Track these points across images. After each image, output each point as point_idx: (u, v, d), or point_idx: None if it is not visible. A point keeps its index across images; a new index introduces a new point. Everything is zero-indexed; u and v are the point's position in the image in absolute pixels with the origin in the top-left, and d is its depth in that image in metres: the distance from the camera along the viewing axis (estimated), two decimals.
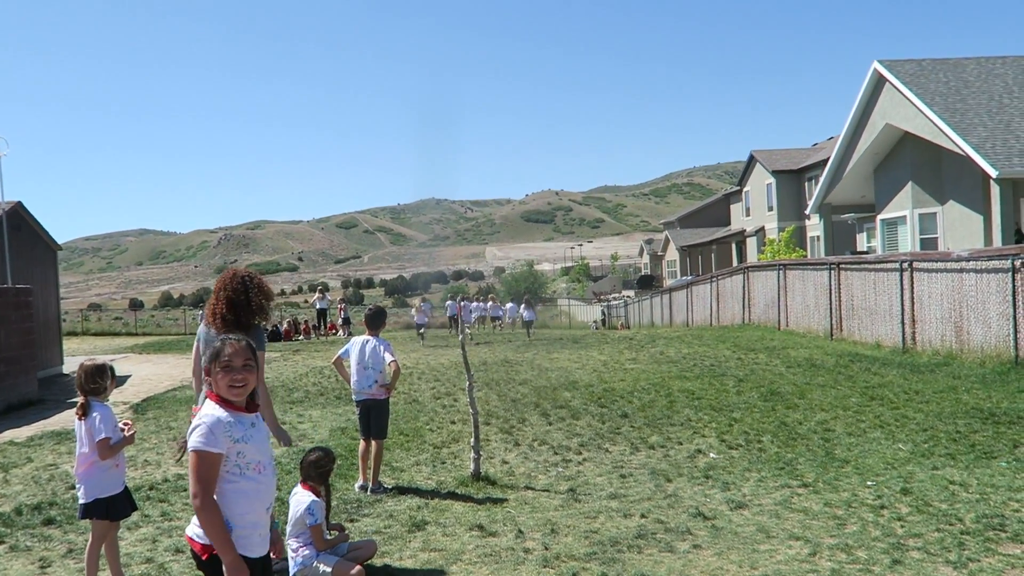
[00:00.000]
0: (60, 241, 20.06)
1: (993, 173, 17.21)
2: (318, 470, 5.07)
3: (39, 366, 15.72)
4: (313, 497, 4.90)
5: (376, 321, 7.25)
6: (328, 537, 4.94)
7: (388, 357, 6.96)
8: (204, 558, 3.02)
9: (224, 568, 2.92)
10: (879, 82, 21.94)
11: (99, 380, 4.87)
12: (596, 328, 38.66)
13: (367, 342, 7.08)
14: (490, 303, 32.16)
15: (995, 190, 17.62)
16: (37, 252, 18.55)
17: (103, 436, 4.70)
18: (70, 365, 18.90)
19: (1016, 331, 11.51)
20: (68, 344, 24.37)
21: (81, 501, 4.82)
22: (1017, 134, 18.55)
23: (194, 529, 3.05)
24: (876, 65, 21.82)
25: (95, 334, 35.80)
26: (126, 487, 4.99)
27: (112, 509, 4.81)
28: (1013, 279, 11.52)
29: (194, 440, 2.91)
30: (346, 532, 5.22)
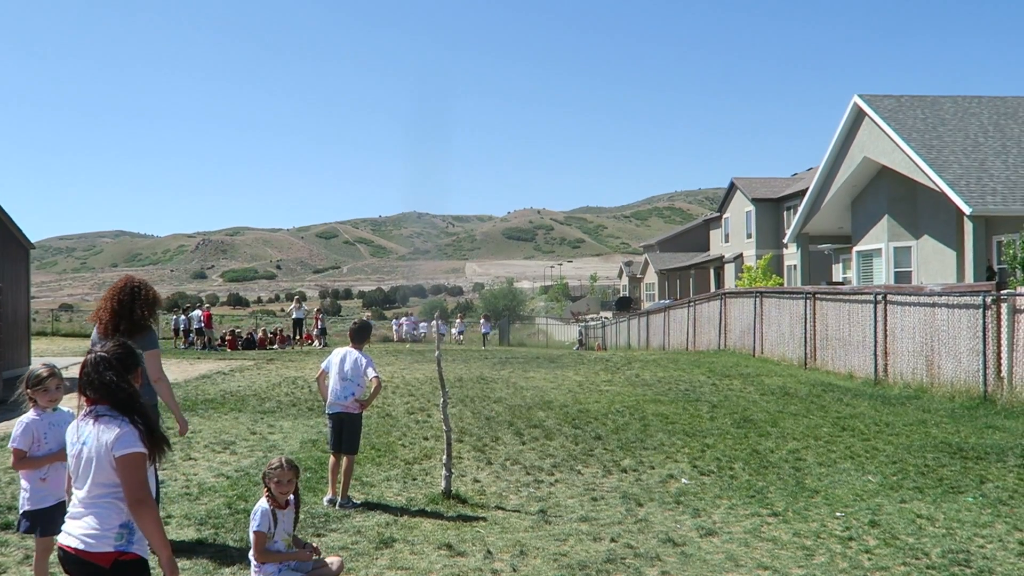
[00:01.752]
0: (34, 239, 19.76)
1: (967, 210, 17.55)
2: (275, 478, 4.94)
3: (5, 366, 15.42)
4: (264, 505, 4.75)
5: (361, 335, 7.24)
6: (276, 551, 4.71)
7: (371, 373, 6.95)
8: (108, 566, 2.99)
9: (163, 564, 3.04)
10: (859, 116, 22.33)
11: (17, 388, 4.72)
12: (578, 348, 38.69)
13: (349, 354, 7.06)
14: (456, 321, 38.88)
15: (968, 227, 17.96)
16: (8, 250, 18.26)
17: (10, 446, 4.52)
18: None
19: (985, 367, 11.68)
20: (37, 344, 23.94)
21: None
22: (991, 172, 18.94)
23: (81, 538, 3.02)
24: (856, 99, 22.22)
25: (65, 335, 35.24)
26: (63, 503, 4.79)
27: (40, 523, 4.53)
28: (984, 315, 11.71)
29: (132, 444, 3.03)
30: (316, 547, 5.07)
